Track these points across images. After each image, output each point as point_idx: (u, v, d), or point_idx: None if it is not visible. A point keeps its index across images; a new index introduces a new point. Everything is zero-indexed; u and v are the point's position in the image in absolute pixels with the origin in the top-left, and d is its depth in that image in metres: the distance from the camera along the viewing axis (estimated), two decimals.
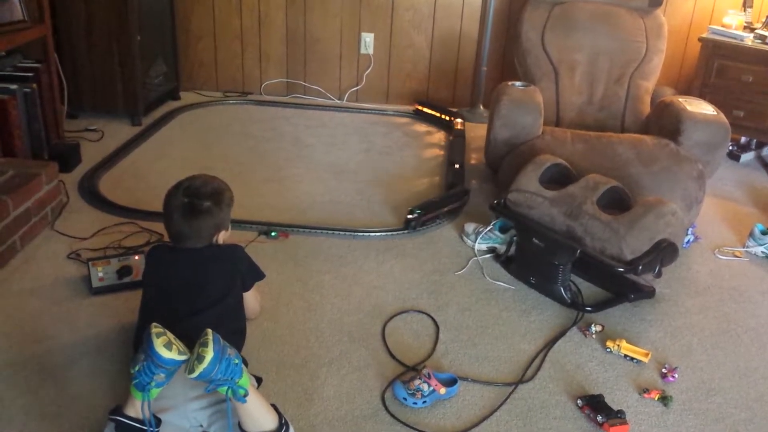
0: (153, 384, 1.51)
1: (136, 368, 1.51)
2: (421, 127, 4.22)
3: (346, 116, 4.33)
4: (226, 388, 1.52)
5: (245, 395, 1.54)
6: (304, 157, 3.62)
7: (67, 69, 3.74)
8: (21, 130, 2.98)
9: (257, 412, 1.58)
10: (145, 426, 1.53)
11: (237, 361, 1.54)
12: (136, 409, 1.53)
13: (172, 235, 1.91)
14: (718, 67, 3.73)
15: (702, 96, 3.61)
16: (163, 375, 1.51)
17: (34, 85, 3.07)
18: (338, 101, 4.61)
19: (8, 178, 2.58)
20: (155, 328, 1.52)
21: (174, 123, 4.02)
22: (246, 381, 1.55)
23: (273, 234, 2.74)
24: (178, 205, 1.87)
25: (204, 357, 1.47)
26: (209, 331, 1.53)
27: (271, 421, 1.59)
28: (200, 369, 1.47)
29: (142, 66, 3.85)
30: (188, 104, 4.32)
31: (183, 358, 1.51)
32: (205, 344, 1.49)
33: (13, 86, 2.97)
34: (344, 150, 3.76)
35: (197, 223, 1.89)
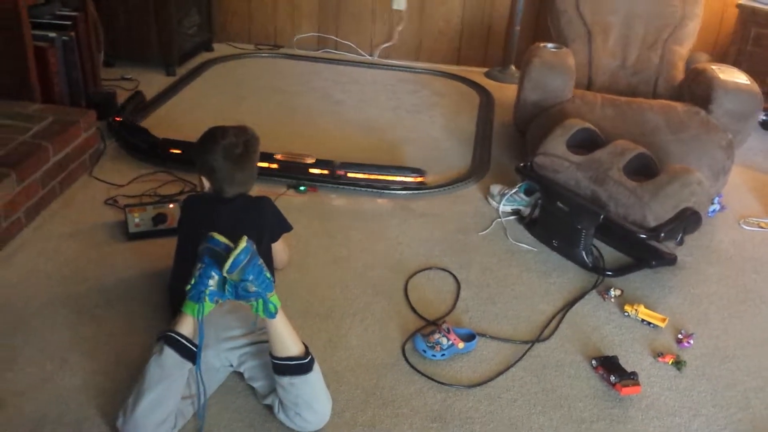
0: (207, 292, 1.59)
1: (192, 281, 1.60)
2: (451, 86, 4.22)
3: (377, 73, 4.34)
4: (257, 301, 1.59)
5: (275, 311, 1.61)
6: (333, 113, 3.66)
7: (104, 17, 3.78)
8: (60, 77, 3.06)
9: (285, 333, 1.66)
10: (195, 343, 1.63)
11: (269, 275, 1.61)
12: (184, 325, 1.63)
13: (228, 181, 1.94)
14: (755, 35, 3.67)
15: (737, 63, 3.56)
16: (216, 277, 1.59)
17: (73, 33, 3.13)
18: (369, 57, 4.61)
19: (48, 125, 2.66)
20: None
21: (207, 74, 4.07)
22: (276, 299, 1.63)
23: (302, 189, 2.81)
24: (234, 150, 1.91)
25: (238, 245, 1.55)
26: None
27: (297, 347, 1.67)
28: (233, 256, 1.54)
29: (176, 16, 3.89)
30: (221, 56, 4.37)
31: (231, 245, 1.59)
32: (238, 239, 1.58)
33: (52, 34, 3.03)
34: (373, 107, 3.79)
35: (250, 167, 1.97)
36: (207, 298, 1.61)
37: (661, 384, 1.97)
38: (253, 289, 1.58)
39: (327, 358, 1.93)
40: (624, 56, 3.43)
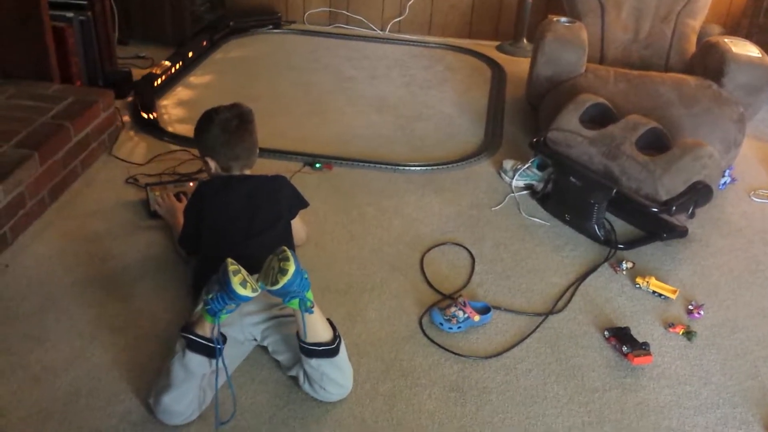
0: (224, 311, 1.62)
1: (210, 296, 1.61)
2: (463, 61, 4.23)
3: (388, 48, 4.35)
4: (297, 300, 1.63)
5: (312, 306, 1.66)
6: (346, 89, 3.69)
7: None
8: (78, 57, 3.09)
9: (318, 323, 1.71)
10: (213, 343, 1.66)
11: (306, 275, 1.64)
12: (204, 328, 1.66)
13: (231, 156, 2.04)
14: None
15: (749, 36, 3.56)
16: (233, 305, 1.63)
17: (90, 13, 3.16)
18: (380, 32, 4.62)
19: (68, 105, 2.71)
20: (231, 265, 1.59)
21: (220, 52, 4.09)
22: (311, 294, 1.66)
23: (317, 165, 2.85)
24: (230, 124, 2.02)
25: (287, 270, 1.56)
26: (285, 247, 1.63)
27: (327, 333, 1.72)
28: (284, 281, 1.56)
29: None
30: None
31: (255, 294, 1.61)
32: (286, 259, 1.58)
33: (70, 14, 3.06)
34: (386, 83, 3.81)
35: (249, 138, 2.07)
36: (224, 314, 1.64)
37: (672, 354, 2.02)
38: (294, 294, 1.62)
39: (347, 331, 1.99)
40: (636, 29, 3.43)
